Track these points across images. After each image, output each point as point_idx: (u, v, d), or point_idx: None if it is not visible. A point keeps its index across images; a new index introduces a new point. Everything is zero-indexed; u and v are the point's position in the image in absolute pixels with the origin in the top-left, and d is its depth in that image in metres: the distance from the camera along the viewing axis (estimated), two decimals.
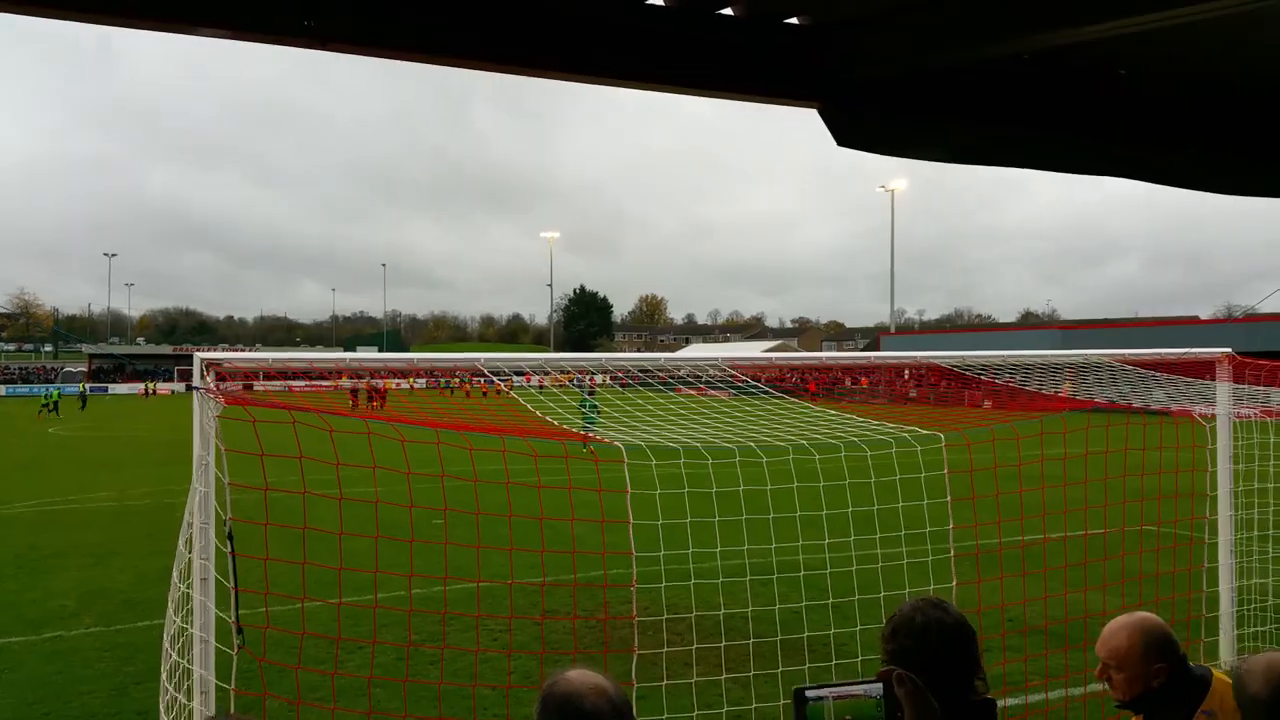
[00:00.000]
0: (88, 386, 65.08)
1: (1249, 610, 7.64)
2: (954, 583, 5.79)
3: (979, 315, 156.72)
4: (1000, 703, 2.75)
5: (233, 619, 3.90)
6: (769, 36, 2.63)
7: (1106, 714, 5.76)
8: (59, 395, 56.61)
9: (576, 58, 2.59)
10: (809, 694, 1.76)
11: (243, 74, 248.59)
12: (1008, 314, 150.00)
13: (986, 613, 6.66)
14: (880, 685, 1.85)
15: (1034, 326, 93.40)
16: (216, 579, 3.98)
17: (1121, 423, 7.31)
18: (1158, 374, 7.61)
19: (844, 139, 2.82)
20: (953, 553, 5.71)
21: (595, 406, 8.91)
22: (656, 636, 7.25)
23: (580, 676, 2.28)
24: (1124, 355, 7.33)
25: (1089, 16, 2.49)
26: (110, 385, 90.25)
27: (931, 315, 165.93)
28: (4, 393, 79.63)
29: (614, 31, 2.58)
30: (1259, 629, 7.69)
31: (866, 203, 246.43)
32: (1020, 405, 7.88)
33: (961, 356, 6.76)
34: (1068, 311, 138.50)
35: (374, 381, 37.53)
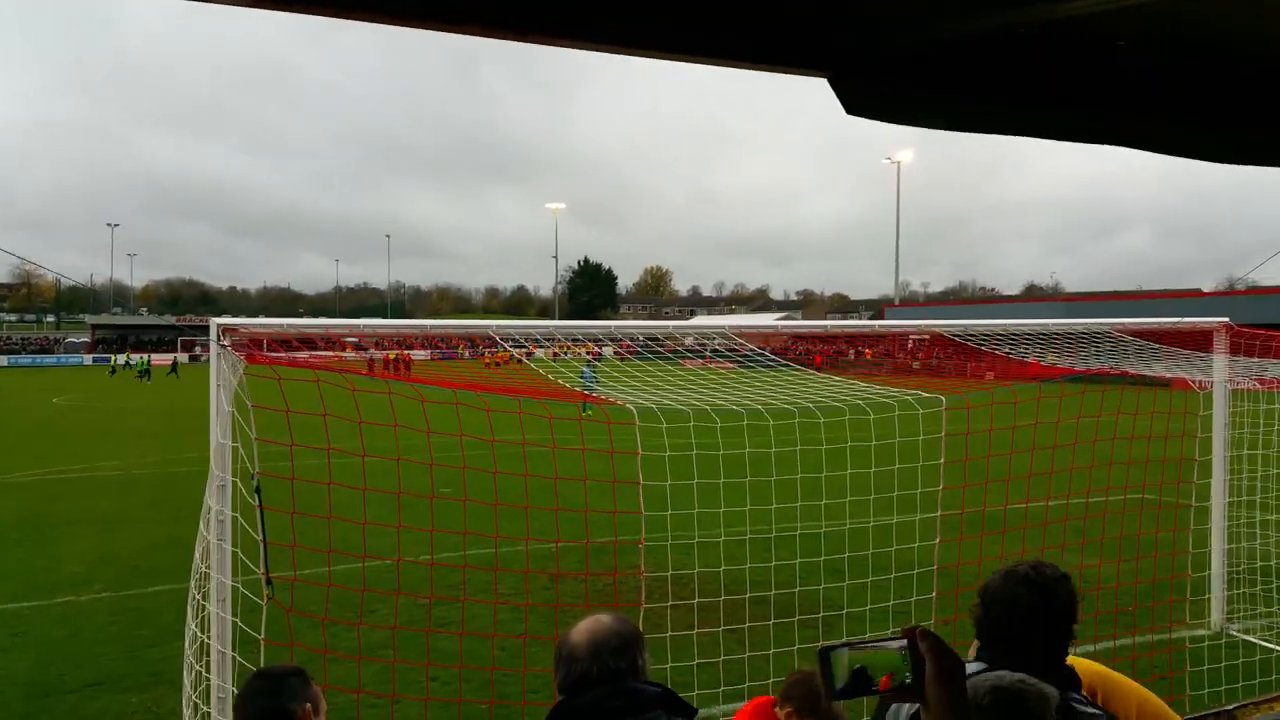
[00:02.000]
0: (181, 356, 66.13)
1: (1239, 573, 7.84)
2: (937, 539, 5.98)
3: (984, 288, 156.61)
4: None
5: (261, 570, 4.06)
6: (779, 6, 2.74)
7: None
8: (147, 363, 59.98)
9: (582, 25, 2.70)
10: (832, 650, 1.74)
11: (237, 35, 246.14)
12: (1013, 287, 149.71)
13: (965, 568, 6.88)
14: (904, 640, 1.83)
15: (1037, 299, 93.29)
16: (244, 527, 4.15)
17: (1117, 389, 7.47)
18: (1156, 345, 7.76)
19: (853, 108, 2.96)
20: (939, 513, 5.89)
21: (595, 369, 9.06)
22: (661, 593, 7.48)
23: (582, 624, 2.48)
24: (1124, 325, 7.47)
25: None
26: (113, 356, 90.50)
27: (936, 288, 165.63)
28: (5, 363, 79.69)
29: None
30: (1249, 590, 7.89)
31: (873, 174, 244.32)
32: (1023, 374, 8.04)
33: (963, 326, 6.89)
34: (1073, 284, 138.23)
35: (400, 353, 37.78)
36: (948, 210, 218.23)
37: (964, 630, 6.87)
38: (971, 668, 2.75)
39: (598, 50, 3.18)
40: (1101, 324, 7.44)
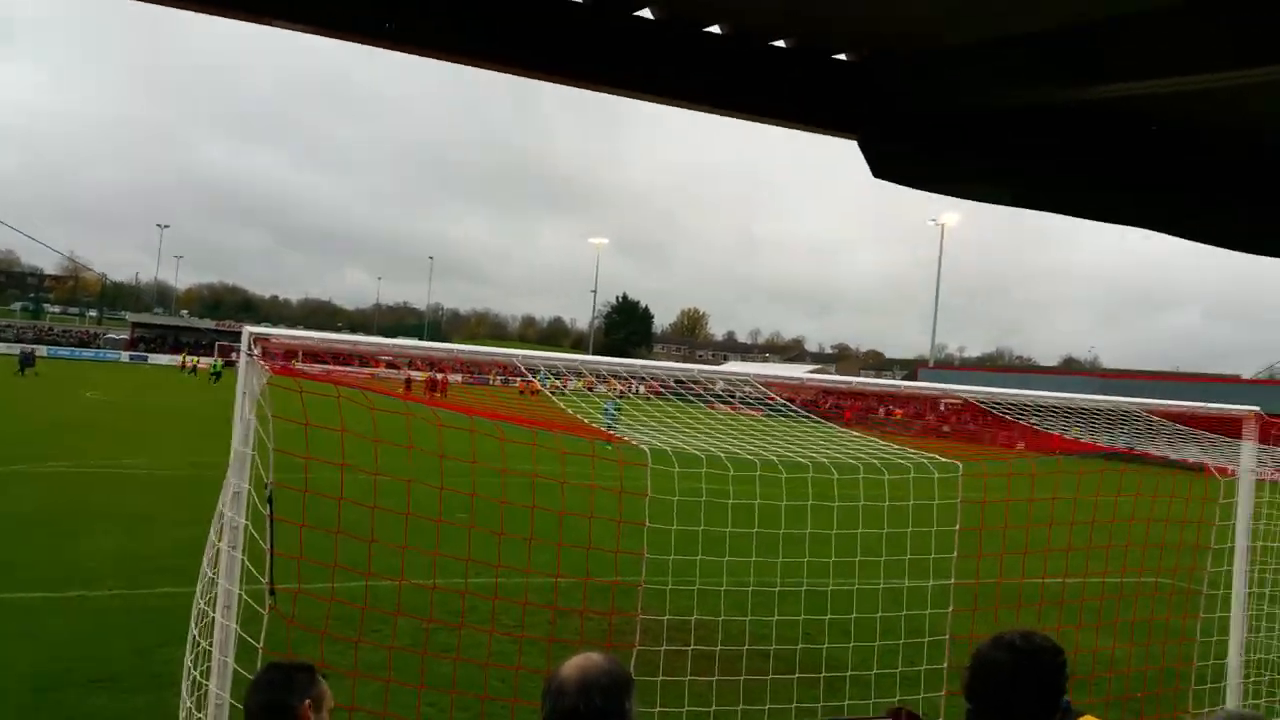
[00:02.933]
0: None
1: (1252, 665, 7.64)
2: (950, 608, 5.90)
3: (1020, 357, 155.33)
4: None
5: (266, 579, 4.10)
6: (816, 69, 2.81)
7: None
8: (221, 366, 64.08)
9: (642, 78, 2.80)
10: None
11: (299, 46, 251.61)
12: (1050, 358, 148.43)
13: (978, 641, 6.76)
14: None
15: (1073, 373, 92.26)
16: (253, 536, 4.19)
17: (1137, 470, 7.37)
18: (1183, 428, 7.66)
19: (880, 171, 3.00)
20: (953, 580, 5.82)
21: (619, 407, 9.10)
22: (658, 636, 7.42)
23: (573, 660, 2.49)
24: (1153, 406, 7.38)
25: (1125, 74, 2.63)
26: (151, 355, 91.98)
27: (973, 353, 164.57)
28: (44, 353, 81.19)
29: (675, 55, 2.78)
30: (1257, 682, 7.68)
31: (918, 233, 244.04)
32: (1051, 448, 7.96)
33: (990, 393, 6.85)
34: (1113, 360, 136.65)
35: (436, 374, 38.13)
36: (992, 273, 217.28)
37: None
38: None
39: (652, 101, 3.27)
40: (1131, 403, 7.37)
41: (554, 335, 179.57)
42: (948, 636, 6.39)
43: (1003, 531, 6.46)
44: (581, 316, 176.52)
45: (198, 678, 4.22)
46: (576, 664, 2.47)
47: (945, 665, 6.20)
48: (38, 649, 8.43)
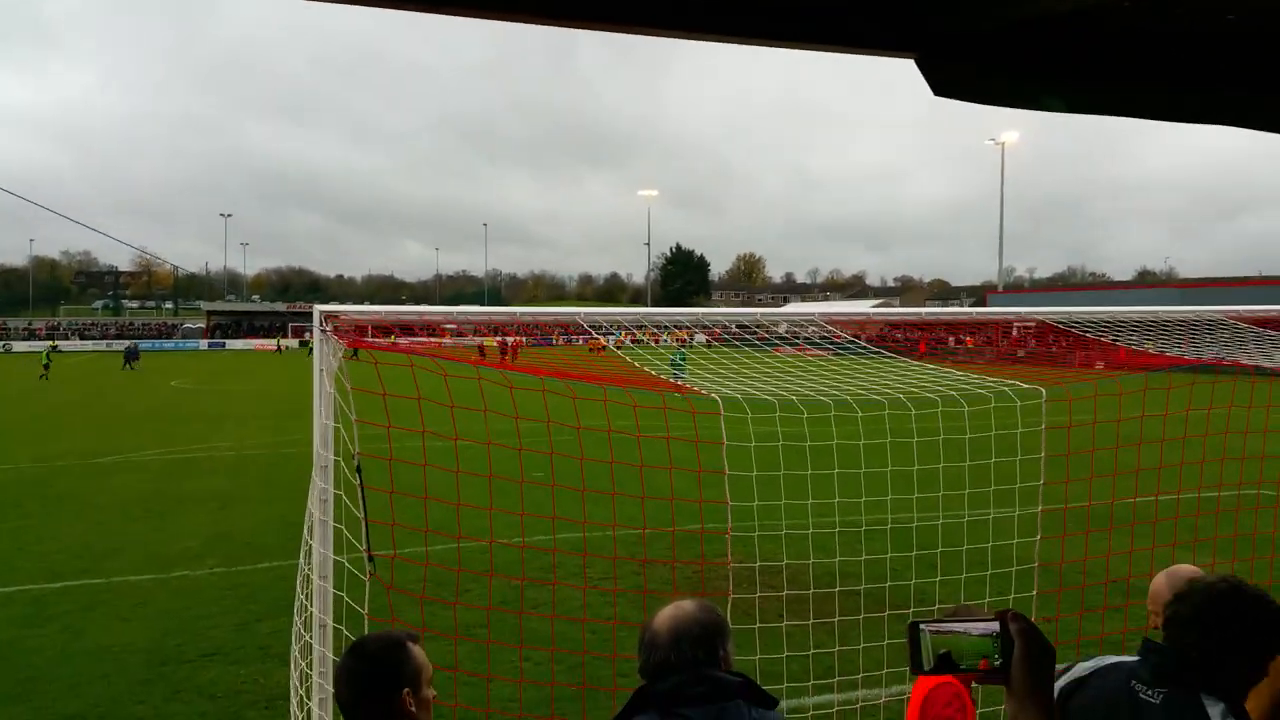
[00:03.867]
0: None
1: None
2: (1038, 536, 5.80)
3: (1093, 274, 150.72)
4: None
5: (364, 547, 4.21)
6: None
7: None
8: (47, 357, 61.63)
9: (679, 14, 2.71)
10: (921, 625, 1.76)
11: (328, 21, 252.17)
12: (1125, 273, 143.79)
13: (1069, 567, 6.64)
14: (996, 622, 1.81)
15: (1149, 285, 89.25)
16: (347, 506, 4.31)
17: (1229, 380, 7.12)
18: (1274, 334, 7.35)
19: (941, 88, 2.89)
20: (1040, 508, 5.71)
21: (684, 357, 9.09)
22: (749, 584, 7.46)
23: (665, 610, 2.49)
24: (1237, 312, 7.10)
25: None
26: (227, 341, 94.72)
27: (1044, 274, 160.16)
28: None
29: None
30: None
31: (978, 154, 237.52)
32: (1133, 365, 7.73)
33: (1066, 312, 6.65)
34: (1191, 270, 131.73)
35: (506, 339, 38.82)
36: (1060, 191, 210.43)
37: (1065, 629, 6.65)
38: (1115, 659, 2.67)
39: (683, 38, 3.17)
40: (1214, 311, 7.09)
41: (611, 291, 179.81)
42: (1035, 565, 6.30)
43: (1090, 455, 6.31)
44: (637, 271, 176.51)
45: (309, 641, 4.39)
46: (667, 614, 2.48)
47: (1034, 593, 6.12)
48: (150, 626, 8.86)
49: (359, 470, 4.19)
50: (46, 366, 47.76)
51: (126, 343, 70.88)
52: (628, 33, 3.19)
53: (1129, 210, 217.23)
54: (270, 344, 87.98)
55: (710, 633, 2.44)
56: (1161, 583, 3.14)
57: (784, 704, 2.50)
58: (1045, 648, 1.77)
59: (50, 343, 70.10)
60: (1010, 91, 2.92)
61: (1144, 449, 6.51)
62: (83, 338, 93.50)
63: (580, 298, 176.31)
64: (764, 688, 2.41)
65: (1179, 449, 6.84)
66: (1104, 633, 6.25)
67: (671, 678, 2.36)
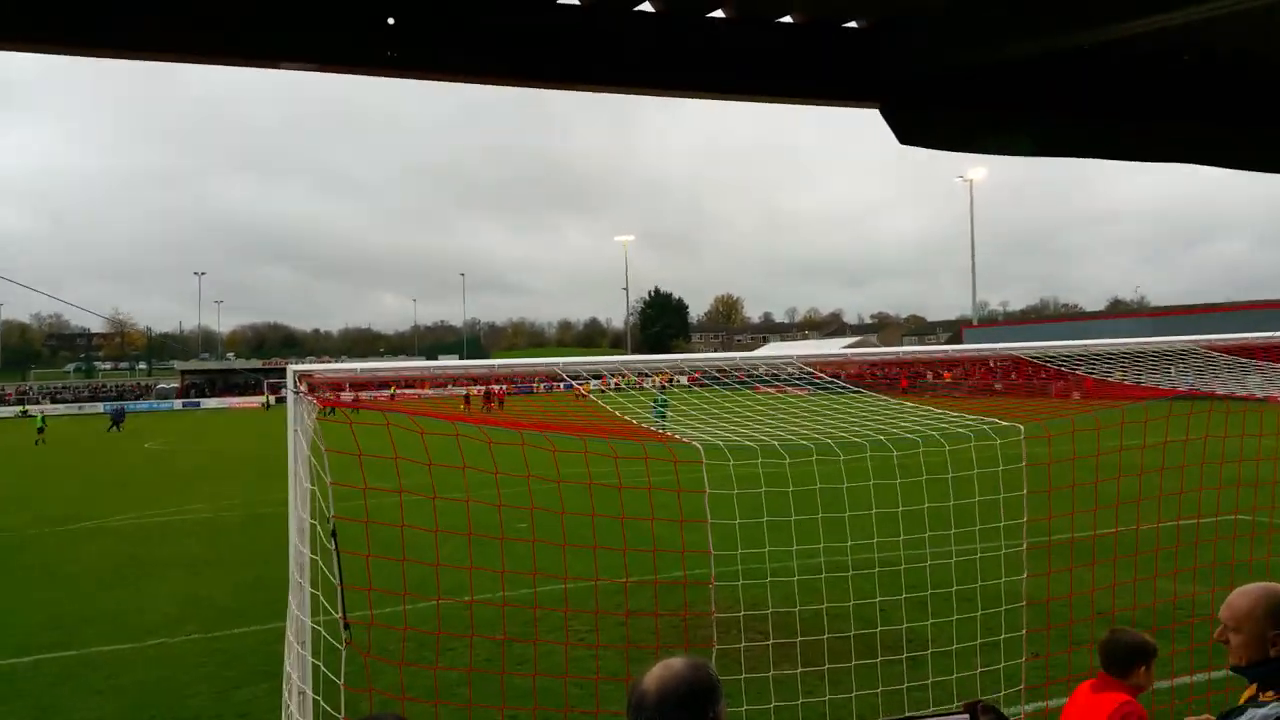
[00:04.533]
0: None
1: None
2: (1024, 574, 5.77)
3: (1065, 305, 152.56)
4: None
5: (339, 614, 4.11)
6: (827, 40, 2.73)
7: (1194, 696, 5.69)
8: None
9: (650, 75, 2.75)
10: None
11: (303, 78, 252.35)
12: (1097, 302, 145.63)
13: (1055, 603, 6.61)
14: (965, 715, 1.79)
15: (1121, 315, 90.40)
16: (323, 572, 4.22)
17: (1204, 410, 7.17)
18: (1245, 360, 7.44)
19: (906, 137, 2.91)
20: (1025, 545, 5.69)
21: (666, 403, 9.08)
22: (735, 632, 7.36)
23: (654, 670, 2.44)
24: (1210, 341, 7.18)
25: (1148, 8, 2.53)
26: (202, 400, 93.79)
27: (1016, 306, 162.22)
28: (102, 409, 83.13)
29: (681, 46, 2.72)
30: None
31: (948, 191, 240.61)
32: (1109, 395, 7.77)
33: (1041, 348, 6.70)
34: (1161, 298, 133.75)
35: (492, 386, 39.02)
36: (1029, 224, 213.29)
37: (1056, 667, 6.59)
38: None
39: (659, 95, 3.19)
40: (1185, 341, 7.16)
41: (591, 336, 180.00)
42: (1024, 603, 6.27)
43: (1071, 489, 6.32)
44: (616, 315, 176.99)
45: (293, 711, 4.27)
46: (655, 674, 2.43)
47: (1024, 631, 6.08)
48: (125, 698, 8.62)
49: (334, 534, 4.11)
50: (41, 430, 48.70)
51: (104, 405, 70.17)
52: (595, 92, 3.22)
53: (1098, 240, 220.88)
54: (248, 401, 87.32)
55: (698, 693, 2.39)
56: (1247, 601, 3.03)
57: None
58: None
59: (33, 406, 69.39)
60: (975, 137, 2.96)
61: (1123, 481, 6.53)
62: (54, 401, 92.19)
63: (560, 344, 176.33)
64: None
65: (1157, 479, 6.86)
66: (1094, 667, 6.20)
67: None
